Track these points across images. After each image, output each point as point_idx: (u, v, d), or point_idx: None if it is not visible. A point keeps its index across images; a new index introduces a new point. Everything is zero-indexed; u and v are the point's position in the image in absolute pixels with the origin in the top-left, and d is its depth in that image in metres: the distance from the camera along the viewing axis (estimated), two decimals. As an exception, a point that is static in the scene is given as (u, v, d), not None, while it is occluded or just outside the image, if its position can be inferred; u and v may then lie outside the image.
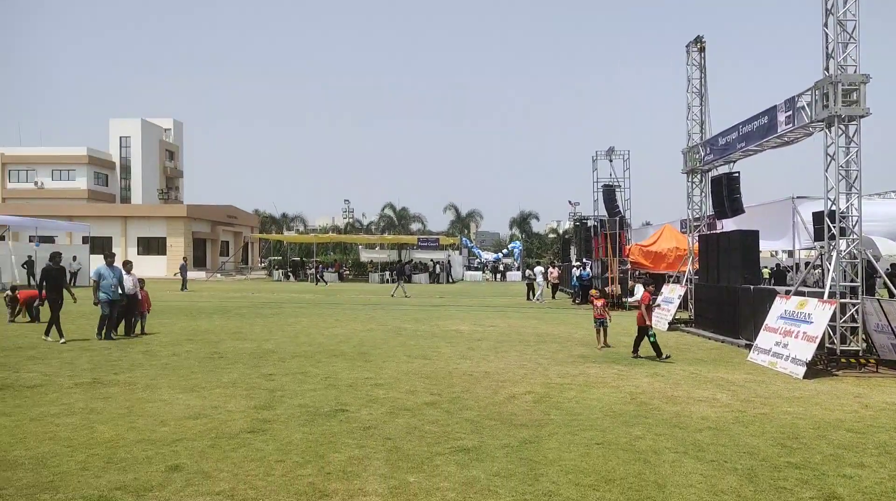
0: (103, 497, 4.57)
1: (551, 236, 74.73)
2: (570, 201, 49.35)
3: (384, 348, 12.40)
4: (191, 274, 45.30)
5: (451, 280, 46.41)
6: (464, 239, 60.78)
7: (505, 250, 64.70)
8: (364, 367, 10.17)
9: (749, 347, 12.23)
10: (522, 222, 68.13)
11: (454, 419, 6.92)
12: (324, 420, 6.79)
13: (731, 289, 14.35)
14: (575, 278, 27.43)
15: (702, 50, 17.52)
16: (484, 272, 53.53)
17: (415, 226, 69.57)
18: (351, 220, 76.34)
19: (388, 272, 46.39)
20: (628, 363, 11.04)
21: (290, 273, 47.47)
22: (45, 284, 13.12)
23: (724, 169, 16.09)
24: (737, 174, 15.51)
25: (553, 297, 29.30)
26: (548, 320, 18.91)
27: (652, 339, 11.34)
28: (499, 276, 52.39)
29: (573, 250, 38.31)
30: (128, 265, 14.01)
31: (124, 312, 13.53)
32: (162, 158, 69.41)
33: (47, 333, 12.78)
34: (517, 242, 64.76)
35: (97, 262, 31.96)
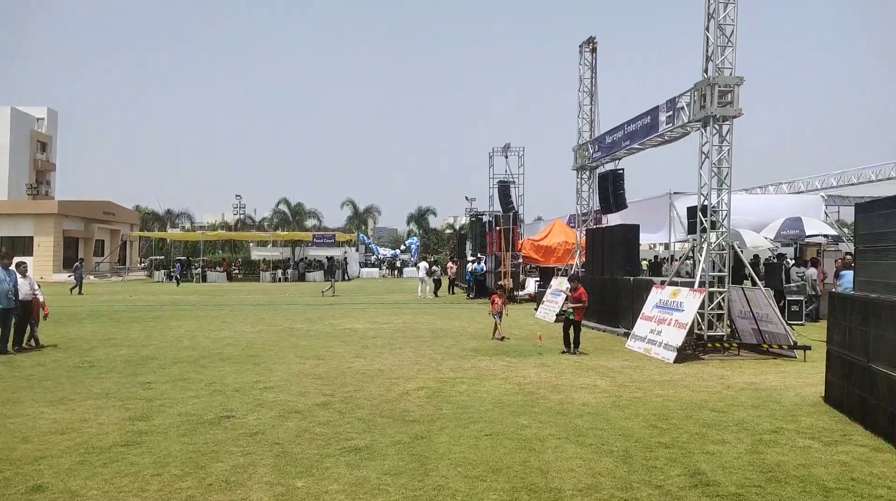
0: (-51, 527, 4.13)
1: (448, 231, 75.64)
2: (466, 197, 50.17)
3: (275, 349, 12.05)
4: (59, 277, 42.12)
5: (346, 277, 45.81)
6: (361, 235, 60.16)
7: (402, 247, 64.67)
8: (253, 370, 9.84)
9: (627, 335, 12.94)
10: (420, 217, 68.48)
11: (346, 419, 6.85)
12: (207, 429, 6.50)
13: (613, 281, 15.12)
14: (469, 273, 27.87)
15: (594, 50, 18.03)
16: (381, 269, 53.21)
17: (311, 222, 68.12)
18: (242, 216, 73.51)
19: (280, 271, 45.15)
20: (518, 354, 11.39)
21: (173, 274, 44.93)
22: None
23: (610, 166, 16.87)
24: (621, 171, 16.32)
25: (451, 292, 29.66)
26: (443, 315, 19.13)
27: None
28: (396, 272, 52.34)
29: (469, 246, 38.97)
30: (22, 267, 12.17)
31: (20, 320, 11.86)
32: (32, 150, 63.60)
33: None
34: (414, 237, 64.98)
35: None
